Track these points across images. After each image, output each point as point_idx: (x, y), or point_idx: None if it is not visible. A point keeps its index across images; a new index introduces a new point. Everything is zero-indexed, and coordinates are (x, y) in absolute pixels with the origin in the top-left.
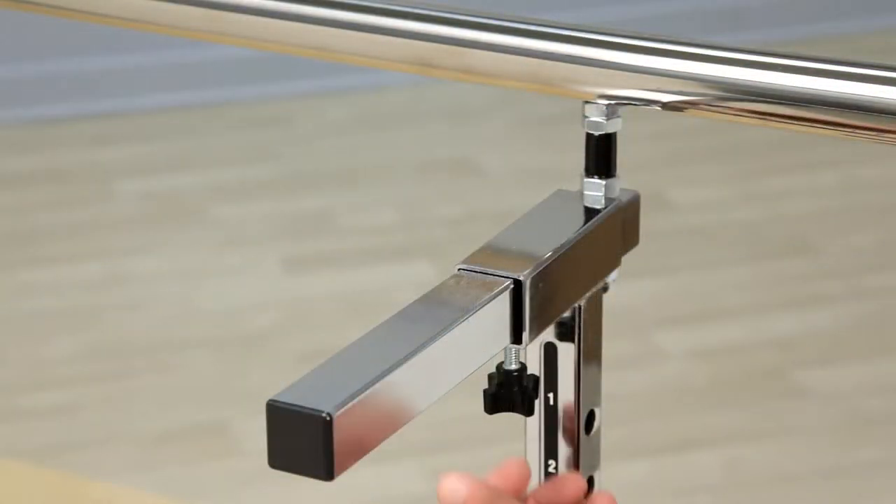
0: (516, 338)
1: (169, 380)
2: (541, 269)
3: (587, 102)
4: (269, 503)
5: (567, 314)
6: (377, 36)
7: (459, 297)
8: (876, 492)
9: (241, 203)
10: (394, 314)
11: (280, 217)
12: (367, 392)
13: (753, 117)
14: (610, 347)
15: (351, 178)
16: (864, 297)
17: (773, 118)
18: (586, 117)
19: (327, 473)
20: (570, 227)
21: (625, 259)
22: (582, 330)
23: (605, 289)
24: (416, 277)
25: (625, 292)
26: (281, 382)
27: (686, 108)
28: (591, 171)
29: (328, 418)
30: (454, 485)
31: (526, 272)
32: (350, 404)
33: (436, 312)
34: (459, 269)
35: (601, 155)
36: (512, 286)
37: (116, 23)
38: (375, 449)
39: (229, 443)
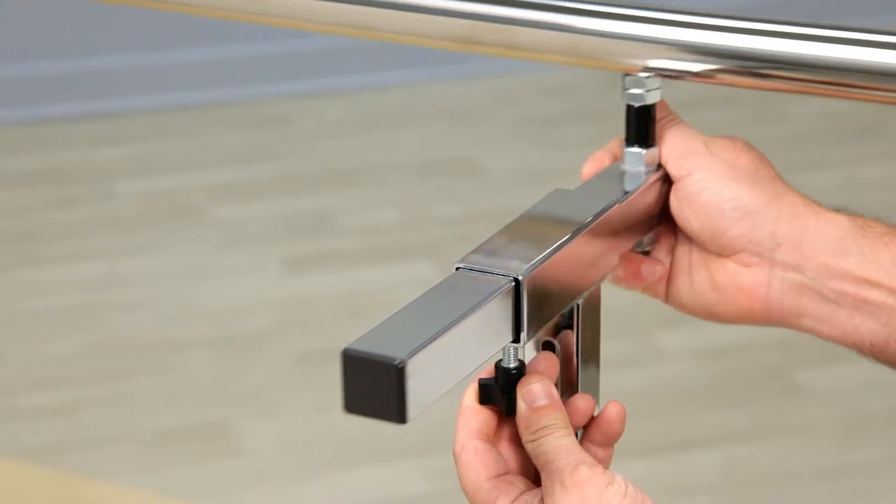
0: (515, 336)
1: (169, 380)
2: (539, 267)
3: (627, 75)
4: (268, 503)
5: (566, 313)
6: (420, 15)
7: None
8: (876, 492)
9: (241, 203)
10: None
11: (280, 217)
12: (436, 342)
13: (793, 84)
14: (610, 347)
15: (351, 178)
16: None
17: (814, 85)
18: (626, 89)
19: (400, 417)
20: (568, 226)
21: None
22: (580, 329)
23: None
24: (416, 277)
25: (625, 292)
26: (281, 382)
27: (720, 76)
28: (631, 140)
29: (401, 365)
30: (539, 392)
31: (525, 271)
32: (420, 352)
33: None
34: (458, 268)
35: (641, 124)
36: (512, 285)
37: (154, 5)
38: (375, 448)
39: (229, 443)
